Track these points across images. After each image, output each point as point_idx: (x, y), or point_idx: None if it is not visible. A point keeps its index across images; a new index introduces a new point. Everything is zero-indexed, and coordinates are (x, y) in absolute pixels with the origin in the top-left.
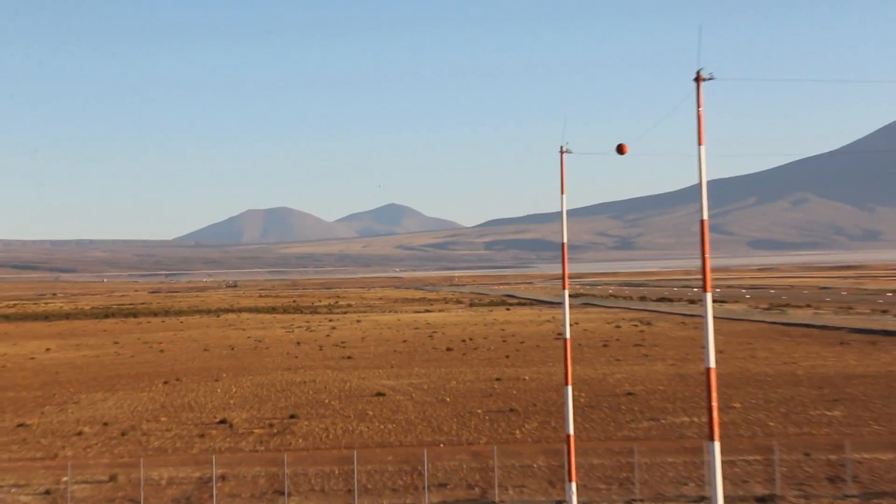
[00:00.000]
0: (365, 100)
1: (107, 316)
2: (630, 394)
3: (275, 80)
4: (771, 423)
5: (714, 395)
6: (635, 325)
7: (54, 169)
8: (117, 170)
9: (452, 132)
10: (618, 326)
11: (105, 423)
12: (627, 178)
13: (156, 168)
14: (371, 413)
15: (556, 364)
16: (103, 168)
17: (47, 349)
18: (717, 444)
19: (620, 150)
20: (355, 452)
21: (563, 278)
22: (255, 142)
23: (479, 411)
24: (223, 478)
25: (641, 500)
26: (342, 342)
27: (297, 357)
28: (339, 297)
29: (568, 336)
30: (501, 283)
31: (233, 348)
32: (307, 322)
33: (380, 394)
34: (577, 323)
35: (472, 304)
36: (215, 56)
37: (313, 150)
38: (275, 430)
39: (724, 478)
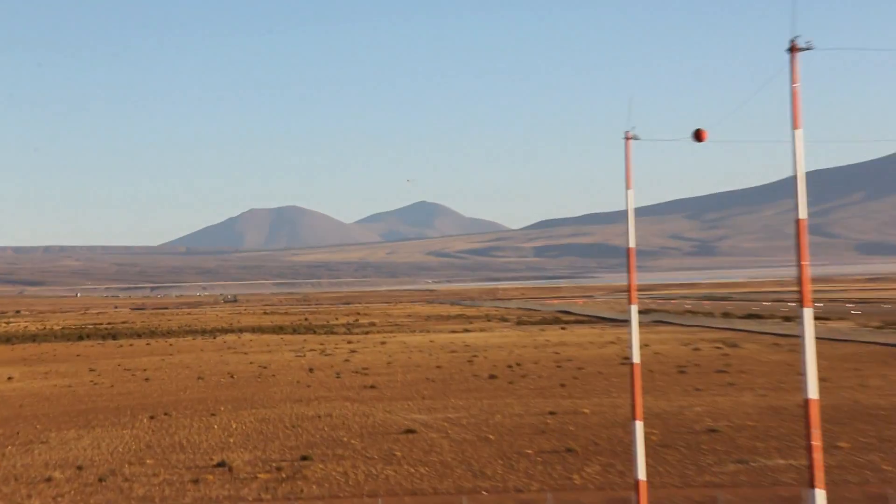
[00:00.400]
0: (390, 82)
1: (81, 338)
2: (713, 430)
3: (283, 58)
4: (886, 467)
5: (816, 432)
6: (718, 348)
7: (16, 163)
8: (93, 163)
9: (494, 117)
10: (696, 349)
11: (79, 467)
12: (707, 169)
13: (139, 161)
14: (399, 454)
15: (623, 394)
16: (76, 162)
17: (9, 378)
18: (819, 493)
19: (698, 136)
20: (380, 502)
21: (629, 290)
22: (260, 129)
23: (529, 451)
24: None
25: None
26: (364, 368)
27: (309, 386)
28: (359, 314)
29: (636, 360)
30: (555, 297)
31: (232, 376)
32: (321, 344)
33: (409, 430)
34: (647, 345)
35: (519, 323)
36: (212, 36)
37: (329, 140)
38: (283, 475)
39: None
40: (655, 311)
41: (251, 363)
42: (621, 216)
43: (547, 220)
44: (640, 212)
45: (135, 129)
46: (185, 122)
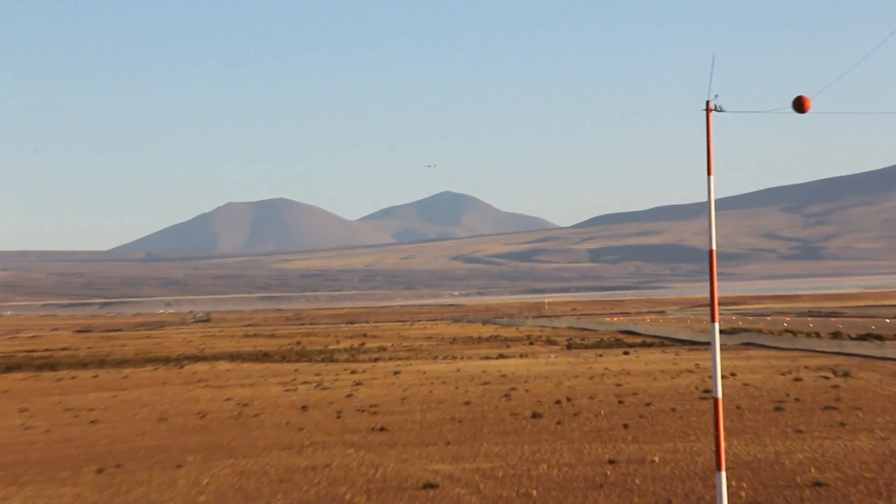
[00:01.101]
0: (403, 40)
1: (9, 369)
2: (818, 484)
3: (266, 15)
4: None
5: None
6: (825, 378)
7: None
8: (24, 148)
9: (537, 85)
10: (797, 379)
11: None
12: (810, 150)
13: (85, 145)
14: None
15: (702, 437)
16: (3, 148)
17: None
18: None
19: (800, 106)
20: None
21: (711, 305)
22: (238, 104)
23: None
24: None
25: None
26: (372, 406)
27: (302, 429)
28: (366, 335)
29: (719, 394)
30: (616, 313)
31: (204, 417)
32: (318, 375)
33: (430, 485)
34: (733, 374)
35: (570, 346)
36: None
37: (325, 115)
38: None
39: None
40: (744, 330)
41: (228, 400)
42: (700, 210)
43: (605, 216)
44: (724, 204)
45: (79, 105)
46: (143, 97)
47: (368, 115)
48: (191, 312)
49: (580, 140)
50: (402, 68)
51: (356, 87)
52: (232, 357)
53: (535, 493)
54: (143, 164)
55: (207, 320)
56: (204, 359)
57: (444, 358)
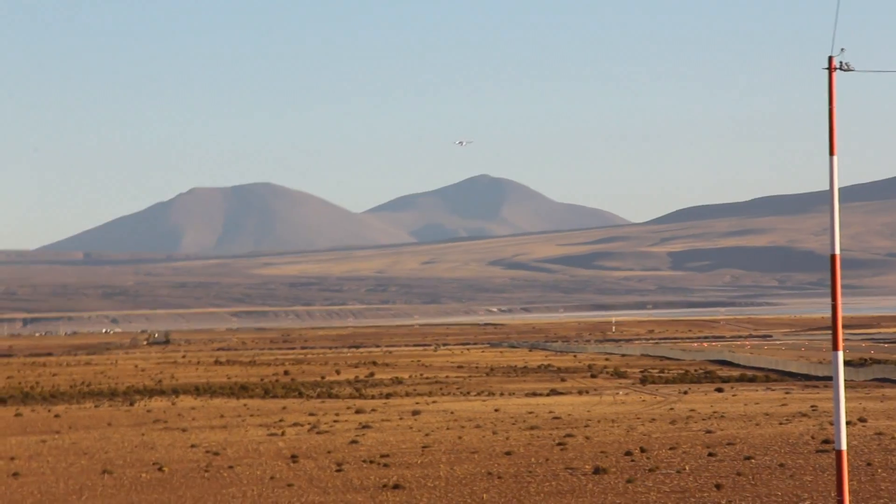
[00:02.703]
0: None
1: None
2: None
3: None
4: None
5: None
6: None
7: None
8: None
9: (600, 41)
10: None
11: None
12: None
13: (4, 112)
14: None
15: (820, 503)
16: None
17: None
18: None
19: None
20: None
21: (833, 328)
22: (206, 60)
23: None
24: None
25: None
26: (383, 456)
27: (291, 486)
28: (376, 363)
29: (843, 446)
30: (706, 338)
31: (161, 469)
32: (312, 415)
33: None
34: (862, 419)
35: (645, 380)
36: None
37: (323, 78)
38: None
39: None
40: (878, 361)
41: (193, 447)
42: (819, 201)
43: (691, 209)
44: (851, 194)
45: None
46: (81, 55)
47: (378, 75)
48: (144, 332)
49: (657, 110)
50: (425, 11)
51: (362, 37)
52: (199, 391)
53: None
54: (80, 139)
55: (166, 342)
56: (162, 393)
57: (479, 394)
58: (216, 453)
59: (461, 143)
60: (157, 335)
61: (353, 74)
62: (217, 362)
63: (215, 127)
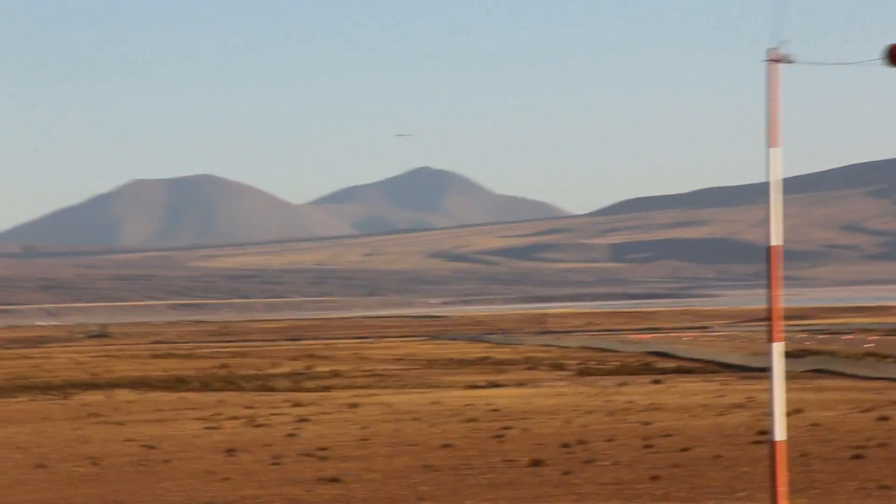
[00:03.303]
0: None
1: None
2: None
3: None
4: None
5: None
6: None
7: None
8: None
9: (541, 33)
10: (883, 418)
11: None
12: None
13: None
14: None
15: (756, 494)
16: None
17: None
18: None
19: (894, 57)
20: None
21: (770, 319)
22: (146, 48)
23: None
24: None
25: None
26: (321, 449)
27: (227, 479)
28: (314, 356)
29: (781, 436)
30: (645, 329)
31: (97, 463)
32: (250, 408)
33: None
34: (799, 410)
35: (583, 372)
36: None
37: (265, 66)
38: None
39: None
40: (815, 353)
41: (129, 441)
42: (758, 193)
43: (631, 201)
44: (791, 185)
45: None
46: (15, 43)
47: (320, 65)
48: (81, 325)
49: (599, 101)
50: (365, 9)
51: (303, 26)
52: (135, 384)
53: None
54: (17, 130)
55: (104, 335)
56: (98, 386)
57: (418, 386)
58: (152, 447)
59: (403, 136)
60: (94, 328)
61: (294, 64)
62: (154, 356)
63: (157, 117)
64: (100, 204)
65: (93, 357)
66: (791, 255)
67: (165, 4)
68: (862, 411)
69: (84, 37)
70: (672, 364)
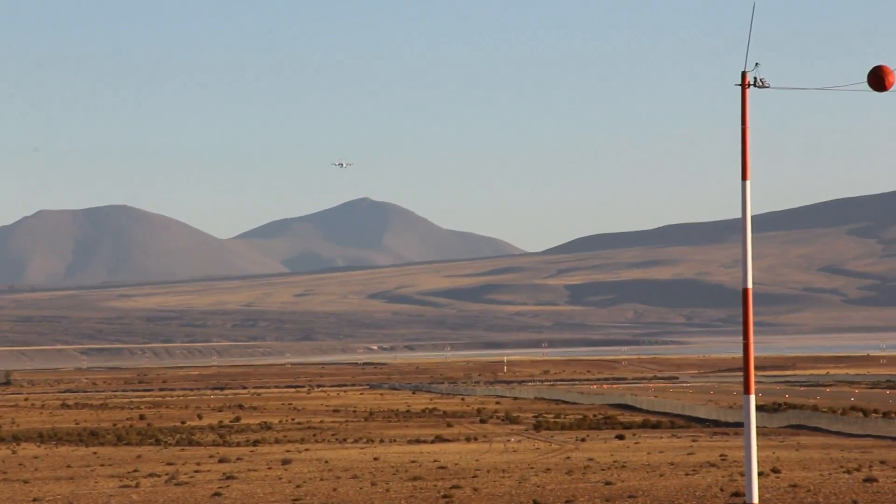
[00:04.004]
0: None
1: None
2: None
3: None
4: None
5: None
6: None
7: None
8: None
9: (493, 54)
10: (870, 479)
11: None
12: (894, 145)
13: None
14: None
15: None
16: None
17: None
18: None
19: (880, 80)
20: None
21: (745, 369)
22: (54, 65)
23: None
24: None
25: None
26: None
27: None
28: (242, 407)
29: (755, 499)
30: (607, 380)
31: None
32: (170, 465)
33: None
34: (776, 470)
35: (539, 426)
36: None
37: (187, 85)
38: None
39: None
40: (794, 407)
41: (35, 501)
42: (730, 230)
43: (590, 237)
44: (764, 222)
45: None
46: None
47: (248, 87)
48: None
49: (554, 130)
50: (301, 23)
51: (230, 47)
52: (43, 437)
53: None
54: None
55: (6, 383)
56: (1, 440)
57: (356, 441)
58: None
59: (341, 164)
60: None
61: (220, 85)
62: (64, 405)
63: (65, 140)
64: (1, 238)
65: None
66: (767, 298)
67: (75, 17)
68: (846, 471)
69: None
70: (637, 418)
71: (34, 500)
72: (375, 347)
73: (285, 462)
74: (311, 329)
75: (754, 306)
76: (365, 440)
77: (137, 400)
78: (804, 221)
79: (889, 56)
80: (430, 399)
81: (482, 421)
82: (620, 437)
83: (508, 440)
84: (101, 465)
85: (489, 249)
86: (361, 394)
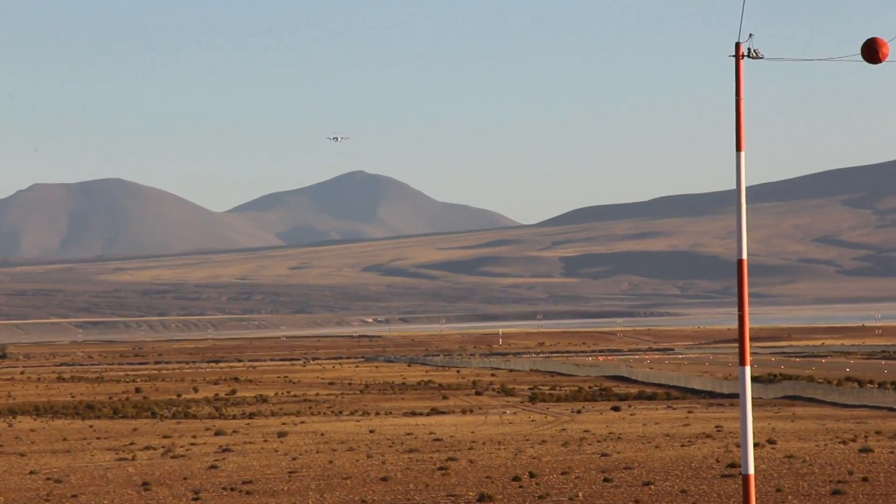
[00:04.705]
0: None
1: None
2: None
3: None
4: None
5: None
6: None
7: None
8: None
9: (486, 31)
10: (865, 450)
11: None
12: (887, 118)
13: None
14: None
15: None
16: None
17: None
18: None
19: (873, 52)
20: None
21: (740, 340)
22: (47, 44)
23: None
24: None
25: None
26: (245, 482)
27: None
28: (238, 380)
29: (751, 470)
30: (602, 351)
31: None
32: (166, 437)
33: None
34: (771, 441)
35: (534, 398)
36: None
37: (181, 57)
38: None
39: None
40: (789, 378)
41: (33, 473)
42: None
43: (585, 209)
44: (759, 193)
45: None
46: None
47: (244, 60)
48: None
49: (548, 100)
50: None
51: (224, 21)
52: (39, 411)
53: None
54: None
55: (2, 356)
56: None
57: (352, 413)
58: (58, 481)
59: (336, 138)
60: None
61: (214, 58)
62: (60, 379)
63: (59, 113)
64: None
65: None
66: (762, 269)
67: None
68: (841, 442)
69: None
70: (632, 389)
71: (31, 472)
72: (370, 320)
73: (281, 435)
74: (306, 302)
75: (749, 277)
76: (361, 413)
77: (133, 373)
78: (799, 192)
79: (884, 27)
80: (426, 371)
81: (478, 393)
82: (616, 409)
83: (504, 412)
84: (98, 439)
85: (484, 222)
86: (357, 366)
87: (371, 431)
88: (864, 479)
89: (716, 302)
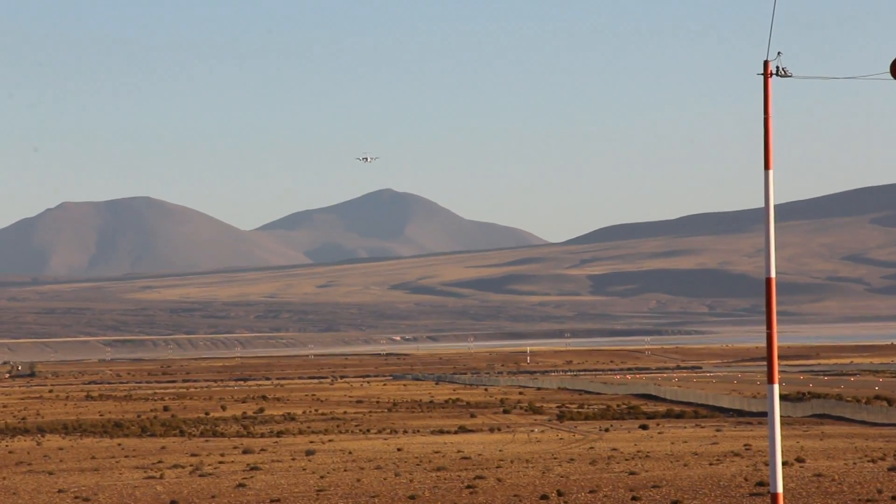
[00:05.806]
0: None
1: None
2: None
3: None
4: None
5: None
6: None
7: None
8: None
9: (514, 46)
10: (895, 469)
11: None
12: None
13: None
14: None
15: None
16: None
17: None
18: None
19: None
20: None
21: (769, 358)
22: (76, 64)
23: None
24: None
25: None
26: (273, 501)
27: None
28: (266, 398)
29: (779, 489)
30: (630, 370)
31: None
32: (194, 456)
33: None
34: (800, 459)
35: (562, 416)
36: None
37: (208, 79)
38: None
39: None
40: (817, 396)
41: (61, 492)
42: (753, 220)
43: (613, 227)
44: (787, 211)
45: None
46: None
47: (270, 78)
48: (6, 363)
49: (577, 118)
50: (323, 15)
51: (250, 39)
52: (68, 429)
53: None
54: None
55: (32, 375)
56: (26, 431)
57: (380, 432)
58: (87, 499)
59: (366, 159)
60: (20, 367)
61: (241, 77)
62: (88, 397)
63: (89, 133)
64: (24, 230)
65: (19, 399)
66: (790, 287)
67: (96, 11)
68: (871, 460)
69: (4, 44)
70: (660, 408)
71: (59, 491)
72: (398, 338)
73: (309, 453)
74: (333, 320)
75: (777, 295)
76: (388, 431)
77: (161, 391)
78: (827, 210)
79: None
80: (454, 389)
81: (505, 411)
82: (644, 427)
83: (532, 430)
84: (126, 457)
85: (511, 240)
86: (384, 384)
87: (399, 450)
88: (894, 498)
89: (744, 320)
